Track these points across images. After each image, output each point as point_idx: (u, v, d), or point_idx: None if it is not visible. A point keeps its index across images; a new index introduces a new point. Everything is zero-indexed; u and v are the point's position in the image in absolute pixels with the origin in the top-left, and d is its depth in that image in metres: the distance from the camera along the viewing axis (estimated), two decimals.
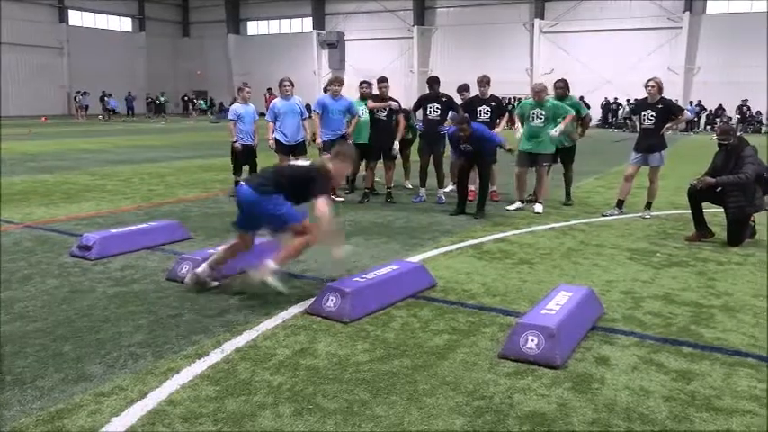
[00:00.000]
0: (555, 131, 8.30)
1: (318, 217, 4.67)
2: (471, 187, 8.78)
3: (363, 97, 9.51)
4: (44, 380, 3.34)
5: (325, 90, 9.63)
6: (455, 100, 9.44)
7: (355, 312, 4.31)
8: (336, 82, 9.18)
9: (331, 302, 4.36)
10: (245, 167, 9.68)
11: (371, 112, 9.14)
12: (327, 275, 5.25)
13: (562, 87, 9.03)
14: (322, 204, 4.65)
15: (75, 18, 43.82)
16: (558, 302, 4.13)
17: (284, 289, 4.69)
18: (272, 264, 4.64)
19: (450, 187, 10.04)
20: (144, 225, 6.67)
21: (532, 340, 3.67)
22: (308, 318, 4.35)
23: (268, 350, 3.80)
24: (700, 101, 32.22)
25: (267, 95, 24.55)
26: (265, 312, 4.44)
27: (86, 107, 37.33)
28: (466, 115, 8.42)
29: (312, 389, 3.29)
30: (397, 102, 9.28)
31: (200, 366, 3.54)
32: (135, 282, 5.14)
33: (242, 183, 5.06)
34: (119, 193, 9.82)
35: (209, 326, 4.18)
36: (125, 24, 47.49)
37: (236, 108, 9.67)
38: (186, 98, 46.70)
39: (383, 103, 9.08)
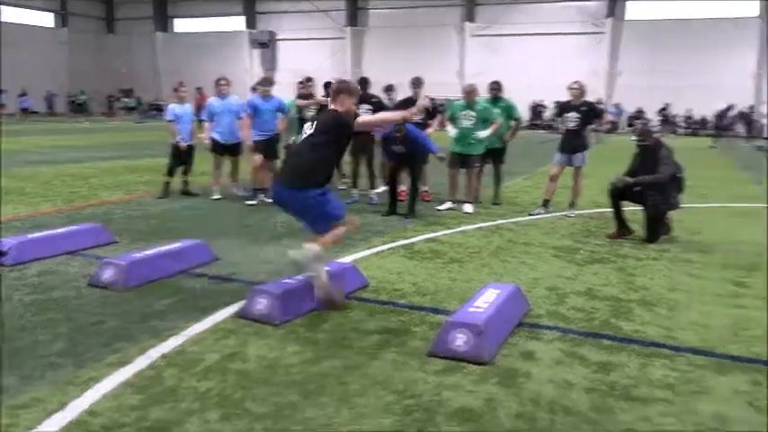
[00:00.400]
0: (481, 134, 8.47)
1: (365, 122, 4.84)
2: (402, 188, 8.86)
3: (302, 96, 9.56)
4: None
5: (254, 90, 9.52)
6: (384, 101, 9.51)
7: (286, 314, 4.28)
8: (266, 82, 9.07)
9: (261, 305, 4.31)
10: (179, 169, 9.48)
11: (300, 111, 9.09)
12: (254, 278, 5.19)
13: (496, 89, 9.23)
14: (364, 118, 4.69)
15: None
16: (486, 300, 4.22)
17: (320, 273, 4.46)
18: (315, 247, 4.46)
19: (382, 188, 10.09)
20: (64, 229, 6.41)
21: (461, 338, 3.73)
22: (238, 321, 4.29)
23: (196, 356, 3.72)
24: (618, 104, 33.52)
25: (198, 95, 24.00)
26: (193, 317, 4.35)
27: (2, 105, 35.52)
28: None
29: (241, 393, 3.25)
30: (326, 99, 9.21)
31: (123, 374, 3.43)
32: (54, 288, 4.93)
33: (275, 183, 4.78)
34: (38, 196, 9.39)
35: (134, 332, 4.06)
36: (46, 20, 45.40)
37: (174, 108, 9.46)
38: (112, 97, 45.13)
39: (311, 101, 9.01)
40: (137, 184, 10.82)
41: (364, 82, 9.51)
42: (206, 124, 9.34)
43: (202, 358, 3.68)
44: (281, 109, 9.00)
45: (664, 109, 32.75)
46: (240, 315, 4.37)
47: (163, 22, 47.07)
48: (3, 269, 5.37)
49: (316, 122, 4.74)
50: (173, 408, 3.09)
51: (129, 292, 4.82)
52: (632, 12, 35.04)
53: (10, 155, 15.47)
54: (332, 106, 4.86)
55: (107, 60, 47.88)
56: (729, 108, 26.17)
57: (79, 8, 46.88)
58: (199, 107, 22.72)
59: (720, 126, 24.79)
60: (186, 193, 9.60)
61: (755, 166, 16.30)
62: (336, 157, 4.84)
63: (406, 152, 8.10)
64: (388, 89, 10.13)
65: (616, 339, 4.13)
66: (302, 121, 9.18)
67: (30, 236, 6.02)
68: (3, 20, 41.57)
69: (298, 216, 4.79)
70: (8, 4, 42.08)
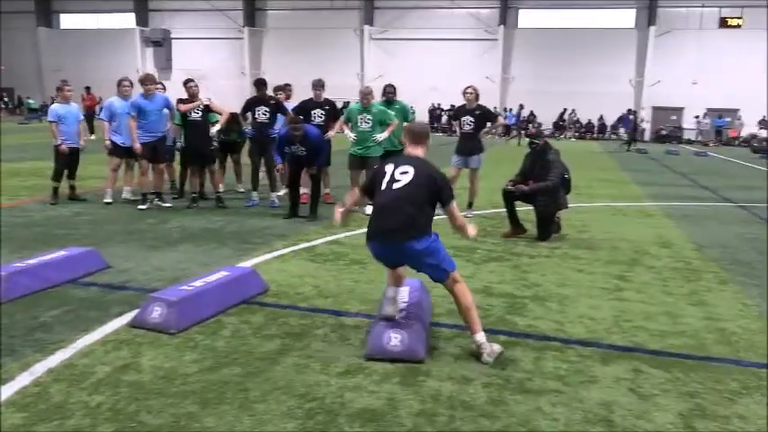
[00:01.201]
0: (379, 136, 8.57)
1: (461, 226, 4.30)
2: (304, 190, 8.81)
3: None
4: None
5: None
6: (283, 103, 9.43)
7: (183, 322, 4.14)
8: (148, 80, 8.66)
9: (156, 313, 4.15)
10: (65, 172, 8.97)
11: (184, 114, 8.73)
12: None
13: (391, 92, 9.35)
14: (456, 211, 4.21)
15: None
16: (403, 299, 4.30)
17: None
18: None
19: (283, 191, 9.99)
20: None
21: (396, 338, 3.78)
22: (132, 331, 4.11)
23: (85, 369, 3.53)
24: (510, 108, 34.98)
25: (85, 95, 22.76)
26: (82, 329, 4.13)
27: None
28: (300, 117, 8.44)
29: (135, 406, 3.12)
30: (208, 99, 8.96)
31: (5, 392, 3.21)
32: None
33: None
34: None
35: (16, 346, 3.80)
36: None
37: (57, 108, 8.92)
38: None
39: (194, 104, 8.72)
40: (19, 190, 10.12)
41: (261, 83, 9.38)
42: (105, 125, 8.91)
43: (93, 371, 3.50)
44: (167, 106, 8.70)
45: (563, 113, 34.53)
46: (134, 324, 4.19)
47: (47, 17, 44.28)
48: None
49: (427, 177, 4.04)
50: (60, 425, 2.92)
51: (10, 305, 4.51)
52: (524, 20, 36.59)
53: None
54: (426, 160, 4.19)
55: None
56: (632, 113, 28.19)
57: None
58: (90, 108, 21.67)
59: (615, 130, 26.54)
60: (74, 198, 9.10)
61: (636, 168, 17.46)
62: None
63: (306, 153, 8.06)
64: (280, 89, 10.00)
65: (512, 335, 4.30)
66: (188, 125, 8.81)
67: None
68: None
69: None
70: None
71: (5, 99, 42.85)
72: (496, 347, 3.86)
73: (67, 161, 8.93)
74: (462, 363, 3.78)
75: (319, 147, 8.17)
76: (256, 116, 9.02)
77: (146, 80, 8.62)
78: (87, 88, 23.12)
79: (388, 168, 4.03)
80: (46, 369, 3.51)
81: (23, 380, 3.36)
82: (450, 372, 3.65)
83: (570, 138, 33.69)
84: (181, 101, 8.75)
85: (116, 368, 3.55)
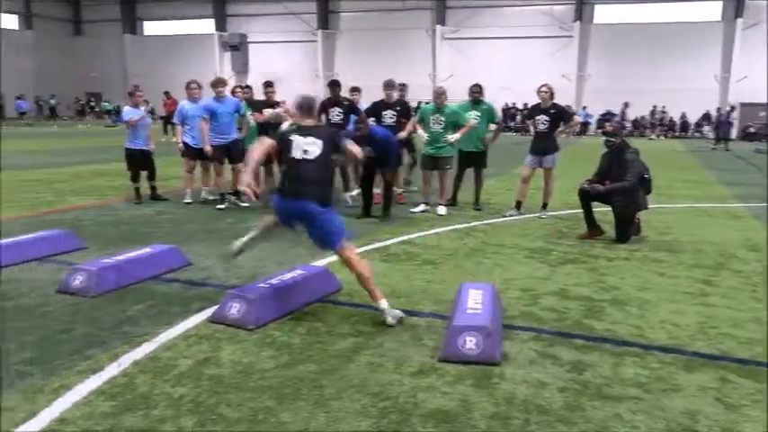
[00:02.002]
0: (450, 137, 8.52)
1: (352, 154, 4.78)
2: (377, 191, 8.87)
3: (249, 102, 9.44)
4: None
5: (232, 93, 9.44)
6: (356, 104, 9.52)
7: (260, 319, 4.25)
8: (219, 83, 8.94)
9: (235, 309, 4.28)
10: (144, 173, 9.37)
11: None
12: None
13: (477, 92, 9.25)
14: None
15: None
16: (476, 301, 4.25)
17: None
18: None
19: (356, 191, 10.08)
20: (30, 235, 6.27)
21: (471, 341, 3.75)
22: (212, 326, 4.25)
23: (169, 361, 3.68)
24: (585, 106, 34.00)
25: (165, 99, 23.71)
26: (166, 323, 4.30)
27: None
28: (364, 115, 8.53)
29: (215, 399, 3.22)
30: (283, 102, 9.14)
31: (94, 382, 3.38)
32: (22, 296, 4.83)
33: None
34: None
35: (105, 339, 4.00)
36: (10, 22, 44.46)
37: (129, 112, 9.31)
38: (82, 101, 44.47)
39: (272, 114, 8.90)
40: (107, 189, 10.65)
41: (335, 84, 9.51)
42: (178, 128, 9.25)
43: (176, 364, 3.64)
44: (237, 110, 8.92)
45: (659, 111, 33.25)
46: (214, 320, 4.33)
47: (131, 25, 46.45)
48: None
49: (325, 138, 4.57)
50: (146, 415, 3.05)
51: (100, 299, 4.75)
52: (600, 16, 35.57)
53: None
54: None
55: (74, 63, 47.04)
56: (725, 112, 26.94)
57: (44, 10, 46.01)
58: (169, 112, 22.56)
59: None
60: (156, 197, 9.49)
61: (721, 167, 16.66)
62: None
63: (375, 155, 8.09)
64: (355, 90, 10.08)
65: (588, 339, 4.18)
66: (265, 127, 8.98)
67: None
68: None
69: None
70: None
71: (92, 103, 45.15)
72: (397, 312, 4.40)
73: (139, 163, 9.30)
74: (537, 366, 3.71)
75: (387, 146, 8.18)
76: (330, 117, 9.15)
77: (217, 83, 8.91)
78: (166, 93, 24.03)
79: (295, 138, 4.52)
80: (132, 361, 3.67)
81: (112, 370, 3.53)
82: (525, 375, 3.59)
83: (659, 136, 32.36)
84: (257, 103, 8.98)
85: (197, 362, 3.68)
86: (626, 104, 31.56)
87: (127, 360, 3.67)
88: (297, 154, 4.48)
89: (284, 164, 4.58)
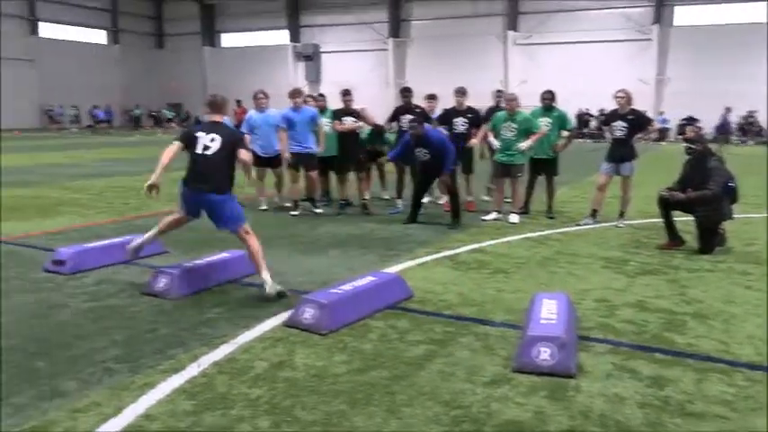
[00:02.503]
0: (522, 146, 8.40)
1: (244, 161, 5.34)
2: (444, 199, 8.86)
3: (321, 110, 9.56)
4: (18, 397, 3.30)
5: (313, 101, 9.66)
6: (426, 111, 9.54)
7: (333, 324, 4.32)
8: (296, 93, 9.12)
9: (308, 314, 4.36)
10: None
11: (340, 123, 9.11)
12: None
13: (548, 98, 9.12)
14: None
15: (46, 30, 43.26)
16: (550, 311, 4.18)
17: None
18: None
19: (427, 198, 10.09)
20: (118, 239, 6.59)
21: (545, 351, 3.69)
22: (286, 330, 4.35)
23: (246, 363, 3.78)
24: (662, 112, 32.78)
25: (236, 108, 24.31)
26: (243, 325, 4.43)
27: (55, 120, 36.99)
28: (436, 122, 8.57)
29: (290, 401, 3.29)
30: (360, 110, 9.22)
31: (176, 381, 3.52)
32: (110, 296, 5.09)
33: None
34: (92, 207, 9.71)
35: (186, 340, 4.16)
36: (98, 37, 47.00)
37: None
38: (156, 111, 46.46)
39: (350, 127, 9.05)
40: None
41: (407, 91, 9.56)
42: (246, 137, 9.47)
43: (252, 366, 3.74)
44: (313, 120, 9.03)
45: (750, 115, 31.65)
46: (288, 324, 4.43)
47: (210, 37, 48.20)
48: (61, 278, 5.57)
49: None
50: (224, 414, 3.15)
51: (181, 301, 4.94)
52: (680, 17, 34.28)
53: (63, 168, 16.05)
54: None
55: (157, 75, 49.22)
56: None
57: (130, 25, 48.38)
58: (239, 121, 23.19)
59: None
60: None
61: None
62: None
63: (430, 158, 8.08)
64: (431, 98, 10.07)
65: (669, 353, 4.03)
66: (341, 134, 9.14)
67: (86, 245, 6.23)
68: (60, 38, 43.22)
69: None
70: (63, 23, 43.79)
71: (165, 110, 46.37)
72: (278, 287, 5.00)
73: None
74: (614, 380, 3.61)
75: (443, 149, 8.12)
76: (401, 124, 9.20)
77: (293, 94, 9.11)
78: (238, 102, 24.60)
79: (200, 135, 5.20)
80: (211, 362, 3.80)
81: (192, 371, 3.67)
82: (602, 388, 3.49)
83: (744, 142, 30.80)
84: (336, 113, 9.12)
85: (273, 364, 3.77)
86: (728, 109, 29.97)
87: (206, 361, 3.81)
88: (199, 149, 5.16)
89: (189, 158, 5.27)
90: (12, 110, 39.17)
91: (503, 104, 9.28)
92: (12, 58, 40.26)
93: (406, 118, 9.19)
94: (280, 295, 4.99)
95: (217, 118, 5.40)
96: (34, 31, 42.38)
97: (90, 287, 5.33)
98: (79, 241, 6.80)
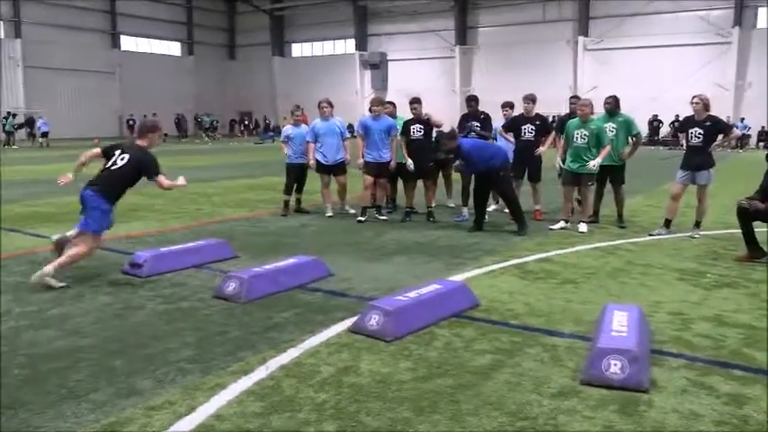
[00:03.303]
0: (593, 164, 8.20)
1: (168, 186, 5.95)
2: (537, 207, 8.90)
3: (391, 117, 9.62)
4: (97, 393, 3.46)
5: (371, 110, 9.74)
6: (492, 117, 9.48)
7: (398, 331, 4.33)
8: (376, 102, 9.27)
9: (374, 321, 4.39)
10: (295, 186, 9.89)
11: (409, 133, 9.12)
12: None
13: (611, 103, 8.90)
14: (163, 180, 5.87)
15: (127, 44, 45.43)
16: (621, 323, 4.07)
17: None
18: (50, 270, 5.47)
19: (493, 206, 10.00)
20: (192, 244, 6.84)
21: (616, 365, 3.60)
22: (352, 336, 4.39)
23: (312, 367, 3.84)
24: (743, 118, 31.34)
25: (299, 115, 24.68)
26: (309, 330, 4.50)
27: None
28: (455, 130, 8.63)
29: (355, 407, 3.32)
30: (427, 116, 9.23)
31: (246, 383, 3.61)
32: (183, 299, 5.27)
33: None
34: (167, 213, 10.09)
35: (255, 343, 4.26)
36: (174, 49, 48.96)
37: (287, 130, 10.02)
38: (233, 120, 47.95)
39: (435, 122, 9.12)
40: (257, 202, 11.36)
41: (472, 99, 9.54)
42: (310, 145, 9.61)
43: (318, 370, 3.80)
44: (389, 130, 9.08)
45: None
46: (353, 330, 4.47)
47: (280, 48, 49.44)
48: (138, 280, 5.81)
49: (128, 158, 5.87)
50: (291, 417, 3.20)
51: (250, 305, 5.07)
52: (764, 20, 32.73)
53: None
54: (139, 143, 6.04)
55: (229, 85, 50.83)
56: None
57: (204, 37, 50.21)
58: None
59: None
60: (300, 210, 9.97)
61: None
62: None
63: (468, 168, 8.11)
64: (507, 105, 9.92)
65: (749, 370, 3.84)
66: (409, 142, 9.14)
67: (161, 250, 6.49)
68: (141, 50, 45.25)
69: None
70: (143, 36, 45.82)
71: (246, 122, 48.30)
72: (39, 276, 5.45)
73: (297, 177, 9.83)
74: (689, 396, 3.47)
75: (487, 159, 8.16)
76: (468, 132, 9.18)
77: (373, 103, 9.27)
78: (297, 106, 25.04)
79: (116, 153, 5.89)
80: (279, 365, 3.88)
81: (260, 373, 3.75)
82: (676, 404, 3.36)
83: None
84: (406, 122, 9.17)
85: (338, 369, 3.81)
86: None
87: (274, 364, 3.89)
88: (110, 164, 5.84)
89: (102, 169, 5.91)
90: (93, 119, 41.27)
91: (578, 111, 9.10)
92: (95, 70, 42.45)
93: (473, 124, 9.17)
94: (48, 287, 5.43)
95: (140, 142, 6.05)
96: (116, 44, 44.50)
97: (165, 290, 5.54)
98: (155, 245, 7.10)
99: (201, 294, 5.39)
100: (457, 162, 8.30)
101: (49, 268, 5.47)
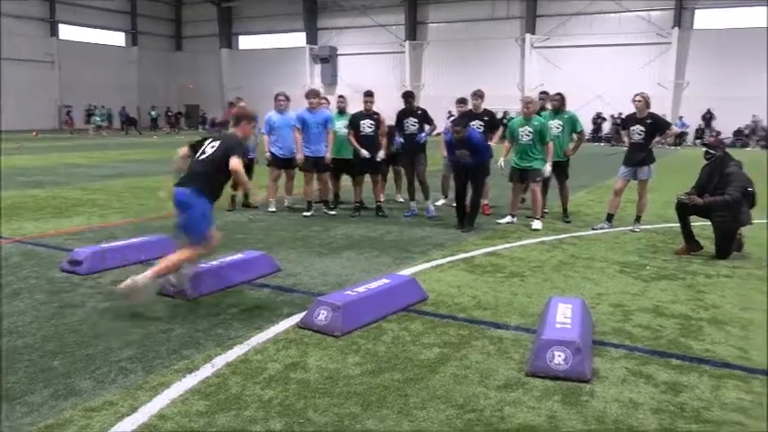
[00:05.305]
0: (546, 170, 8.35)
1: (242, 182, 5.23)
2: (486, 201, 8.90)
3: (341, 111, 9.56)
4: (33, 395, 3.33)
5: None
6: (429, 113, 9.49)
7: (346, 326, 4.32)
8: (312, 94, 9.13)
9: (322, 316, 4.36)
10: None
11: (359, 127, 9.07)
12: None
13: (558, 101, 9.08)
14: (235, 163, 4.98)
15: (66, 32, 43.80)
16: (565, 315, 4.15)
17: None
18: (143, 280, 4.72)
19: (441, 201, 10.08)
20: (135, 240, 6.66)
21: (559, 356, 3.67)
22: (300, 332, 4.36)
23: (259, 364, 3.80)
24: (681, 116, 32.50)
25: (229, 108, 23.82)
26: (256, 327, 4.44)
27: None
28: (465, 119, 8.54)
29: (303, 403, 3.30)
30: (377, 114, 9.23)
31: (190, 381, 3.54)
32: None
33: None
34: (110, 208, 9.80)
35: (200, 340, 4.18)
36: (117, 39, 47.49)
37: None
38: (180, 114, 46.75)
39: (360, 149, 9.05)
40: None
41: (409, 95, 9.55)
42: (265, 138, 9.50)
43: (265, 367, 3.75)
44: (326, 123, 8.99)
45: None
46: (301, 325, 4.44)
47: (228, 40, 48.52)
48: (77, 278, 5.62)
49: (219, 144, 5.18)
50: (237, 415, 3.16)
51: (196, 302, 4.97)
52: (701, 21, 33.91)
53: (83, 168, 16.22)
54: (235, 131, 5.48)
55: (175, 77, 49.69)
56: None
57: (149, 27, 48.87)
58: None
59: None
60: (247, 205, 9.83)
61: None
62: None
63: (471, 162, 8.04)
64: (461, 102, 9.99)
65: (685, 359, 3.99)
66: (358, 138, 9.10)
67: (103, 246, 6.29)
68: (79, 40, 43.73)
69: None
70: (84, 25, 44.31)
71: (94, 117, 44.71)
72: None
73: (244, 171, 9.64)
74: (629, 385, 3.57)
75: (481, 149, 8.15)
76: (405, 128, 9.19)
77: (309, 95, 9.13)
78: (230, 103, 24.35)
79: (206, 142, 5.24)
80: (225, 362, 3.82)
81: (206, 371, 3.68)
82: (617, 394, 3.46)
83: (754, 147, 30.51)
84: (355, 116, 9.11)
85: (286, 366, 3.78)
86: (709, 113, 29.63)
87: (220, 361, 3.82)
88: (199, 154, 5.17)
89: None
90: (31, 111, 39.72)
91: (548, 106, 9.25)
92: (33, 60, 40.83)
93: (410, 121, 9.18)
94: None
95: (235, 130, 5.50)
96: (54, 33, 42.91)
97: (107, 287, 5.37)
98: (96, 242, 6.88)
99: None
100: (457, 151, 8.16)
101: (144, 277, 4.74)
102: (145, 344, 4.09)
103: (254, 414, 3.17)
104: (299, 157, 8.99)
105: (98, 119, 37.11)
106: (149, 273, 4.76)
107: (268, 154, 9.46)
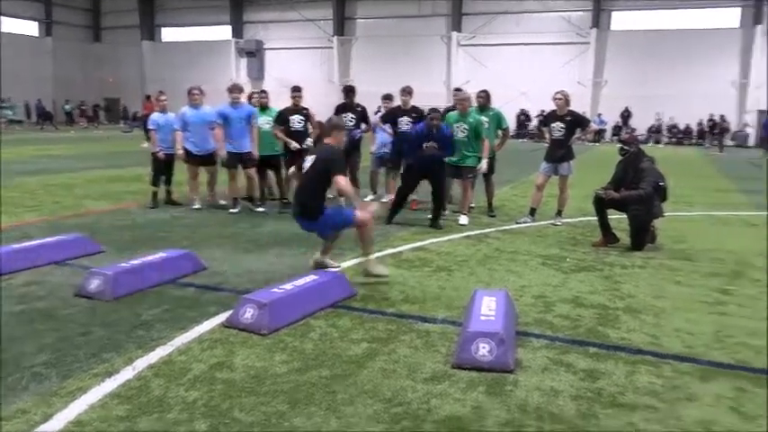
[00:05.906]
0: (482, 168, 8.49)
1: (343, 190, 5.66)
2: (414, 197, 8.93)
3: (263, 107, 9.40)
4: None
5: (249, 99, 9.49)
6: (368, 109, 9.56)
7: (273, 324, 4.27)
8: (235, 89, 8.95)
9: (248, 314, 4.30)
10: (163, 177, 9.44)
11: (288, 123, 8.98)
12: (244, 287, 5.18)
13: (483, 98, 9.25)
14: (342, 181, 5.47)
15: None
16: (490, 308, 4.24)
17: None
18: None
19: (369, 197, 10.11)
20: (50, 239, 6.35)
21: (484, 347, 3.74)
22: (225, 331, 4.28)
23: (183, 365, 3.70)
24: (600, 113, 33.85)
25: (145, 101, 22.42)
26: (180, 327, 4.33)
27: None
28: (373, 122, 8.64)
29: (228, 403, 3.24)
30: (306, 109, 9.18)
31: (110, 385, 3.41)
32: (40, 299, 4.89)
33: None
34: (21, 206, 9.31)
35: (121, 342, 4.04)
36: (30, 28, 45.10)
37: (155, 117, 9.42)
38: (98, 106, 44.84)
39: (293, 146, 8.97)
40: (124, 194, 10.75)
41: (349, 90, 9.54)
42: (179, 134, 9.21)
43: (189, 368, 3.67)
44: (249, 118, 8.83)
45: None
46: (227, 324, 4.36)
47: (150, 31, 46.95)
48: None
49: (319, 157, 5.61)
50: (160, 418, 3.07)
51: (117, 303, 4.80)
52: (617, 22, 35.38)
53: None
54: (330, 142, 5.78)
55: (93, 69, 47.64)
56: None
57: (64, 17, 46.63)
58: (146, 116, 22.14)
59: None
60: (171, 202, 9.56)
61: (740, 175, 16.50)
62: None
63: (437, 156, 8.05)
64: (387, 98, 10.05)
65: (603, 347, 4.16)
66: (289, 134, 9.03)
67: (15, 246, 5.98)
68: None
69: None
70: None
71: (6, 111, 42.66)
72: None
73: (164, 167, 9.39)
74: (550, 374, 3.70)
75: (448, 143, 8.19)
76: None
77: (232, 89, 8.92)
78: (147, 96, 23.28)
79: (306, 158, 5.78)
80: (147, 364, 3.71)
81: (127, 374, 3.57)
82: (538, 382, 3.57)
83: (665, 144, 32.11)
84: (284, 111, 8.98)
85: (211, 366, 3.70)
86: (627, 111, 31.05)
87: (142, 364, 3.71)
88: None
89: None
90: None
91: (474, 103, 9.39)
92: None
93: (348, 116, 9.18)
94: None
95: (328, 140, 5.82)
96: None
97: (19, 289, 5.11)
98: (7, 242, 6.52)
99: (61, 293, 5.03)
100: (426, 144, 8.08)
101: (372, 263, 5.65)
102: (61, 348, 3.92)
103: (177, 416, 3.09)
104: (222, 153, 8.80)
105: (9, 112, 35.15)
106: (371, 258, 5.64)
107: (181, 151, 9.15)
